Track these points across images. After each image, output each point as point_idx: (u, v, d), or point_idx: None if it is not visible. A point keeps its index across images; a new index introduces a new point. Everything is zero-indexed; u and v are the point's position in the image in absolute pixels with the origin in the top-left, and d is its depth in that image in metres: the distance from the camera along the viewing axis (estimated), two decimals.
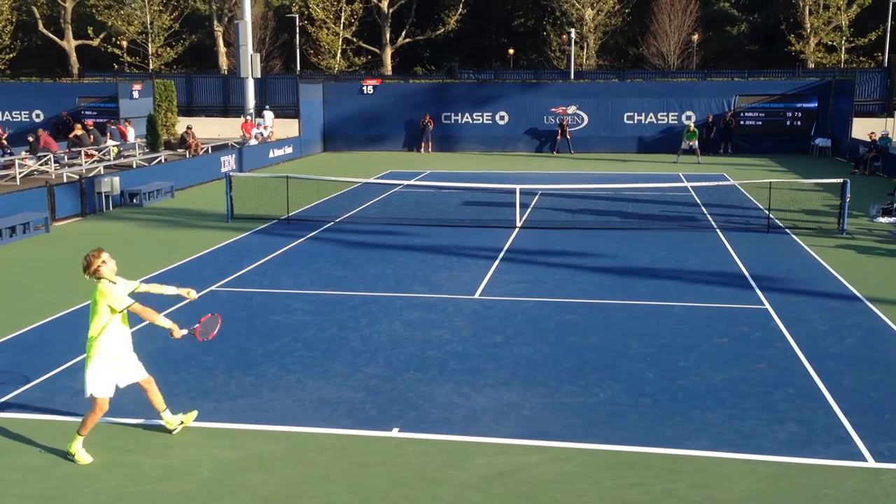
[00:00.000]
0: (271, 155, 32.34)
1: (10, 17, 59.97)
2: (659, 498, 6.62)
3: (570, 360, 9.79)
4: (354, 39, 61.48)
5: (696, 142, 32.03)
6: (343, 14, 59.77)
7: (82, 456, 7.26)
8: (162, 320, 7.35)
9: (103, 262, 7.13)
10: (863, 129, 32.11)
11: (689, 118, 35.43)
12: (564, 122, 36.14)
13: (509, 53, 70.39)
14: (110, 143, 31.48)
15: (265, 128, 37.15)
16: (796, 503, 6.55)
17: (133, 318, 7.45)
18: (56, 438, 7.65)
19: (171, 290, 7.78)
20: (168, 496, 6.67)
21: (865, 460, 7.22)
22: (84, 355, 7.33)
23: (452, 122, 37.76)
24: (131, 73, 57.50)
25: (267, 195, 20.93)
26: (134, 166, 28.31)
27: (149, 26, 59.55)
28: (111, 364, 7.23)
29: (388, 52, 63.05)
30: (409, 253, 15.75)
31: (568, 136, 36.00)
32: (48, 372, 9.34)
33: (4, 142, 29.17)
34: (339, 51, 61.33)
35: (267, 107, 40.99)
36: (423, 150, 37.10)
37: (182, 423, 7.83)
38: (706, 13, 64.56)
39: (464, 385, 8.97)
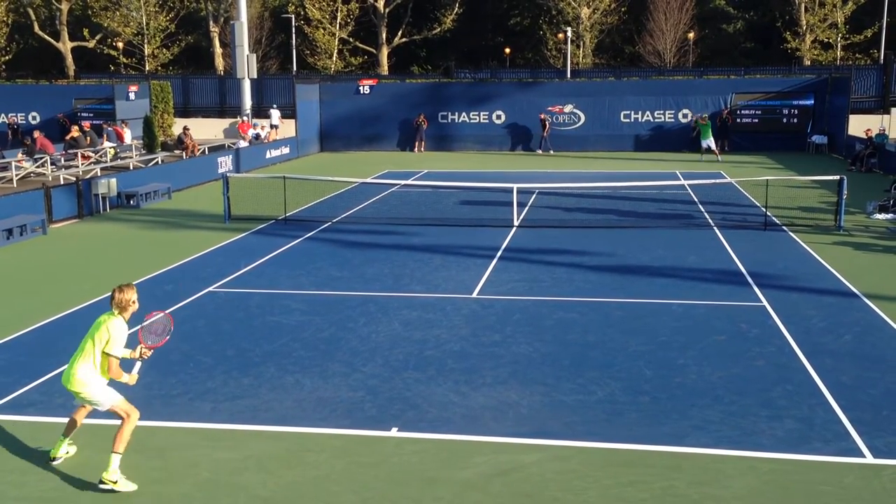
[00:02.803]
0: (268, 155, 32.34)
1: (5, 18, 59.80)
2: (658, 495, 6.62)
3: (569, 358, 9.80)
4: (351, 39, 61.41)
5: (711, 138, 32.00)
6: (339, 14, 59.71)
7: (124, 485, 6.72)
8: (125, 378, 6.99)
9: (133, 301, 6.87)
10: (859, 125, 32.11)
11: (685, 115, 35.42)
12: (546, 120, 35.90)
13: (505, 53, 70.33)
14: (107, 144, 31.40)
15: (262, 128, 37.13)
16: (795, 500, 6.56)
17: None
18: (54, 440, 7.64)
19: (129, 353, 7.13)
20: (167, 497, 6.66)
21: (864, 456, 7.23)
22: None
23: (449, 121, 37.76)
24: (127, 74, 57.44)
25: (264, 196, 20.91)
26: (131, 168, 28.25)
27: (145, 27, 59.45)
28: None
29: (385, 51, 62.98)
30: (407, 252, 15.75)
31: (545, 134, 35.79)
32: (46, 374, 9.33)
33: None
34: (336, 51, 61.25)
35: (274, 106, 40.91)
36: (416, 149, 37.10)
37: (67, 454, 7.32)
38: (702, 11, 64.54)
39: (462, 384, 8.98)
